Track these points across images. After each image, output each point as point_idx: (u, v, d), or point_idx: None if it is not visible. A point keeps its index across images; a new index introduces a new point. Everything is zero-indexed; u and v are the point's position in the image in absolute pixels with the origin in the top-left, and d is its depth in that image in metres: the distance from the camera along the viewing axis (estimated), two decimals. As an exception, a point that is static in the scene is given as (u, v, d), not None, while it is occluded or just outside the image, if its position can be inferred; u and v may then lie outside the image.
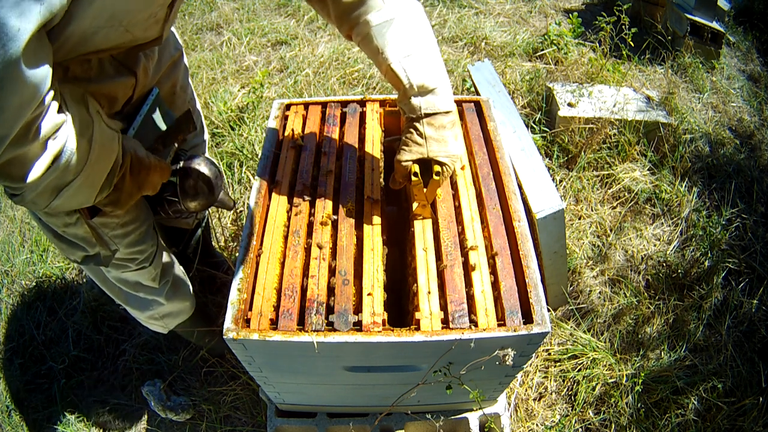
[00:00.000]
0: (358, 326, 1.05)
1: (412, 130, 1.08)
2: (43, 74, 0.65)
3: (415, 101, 1.04)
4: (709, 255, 2.20)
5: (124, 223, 1.20)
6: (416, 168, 1.10)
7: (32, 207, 0.88)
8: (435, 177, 1.10)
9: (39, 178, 0.77)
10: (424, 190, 1.15)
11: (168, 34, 1.01)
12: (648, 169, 2.59)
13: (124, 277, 1.36)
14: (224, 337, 1.03)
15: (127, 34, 0.85)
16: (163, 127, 1.21)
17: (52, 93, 0.71)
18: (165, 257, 1.44)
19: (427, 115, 1.05)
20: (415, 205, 1.20)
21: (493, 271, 1.14)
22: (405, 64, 1.01)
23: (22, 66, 0.60)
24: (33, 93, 0.65)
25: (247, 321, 1.07)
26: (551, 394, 1.90)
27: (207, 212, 1.79)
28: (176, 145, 1.21)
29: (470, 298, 1.09)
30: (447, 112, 1.06)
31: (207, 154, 1.60)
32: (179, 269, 1.54)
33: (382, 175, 1.36)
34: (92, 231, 1.16)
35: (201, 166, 1.18)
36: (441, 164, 1.10)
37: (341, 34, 1.10)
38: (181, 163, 1.19)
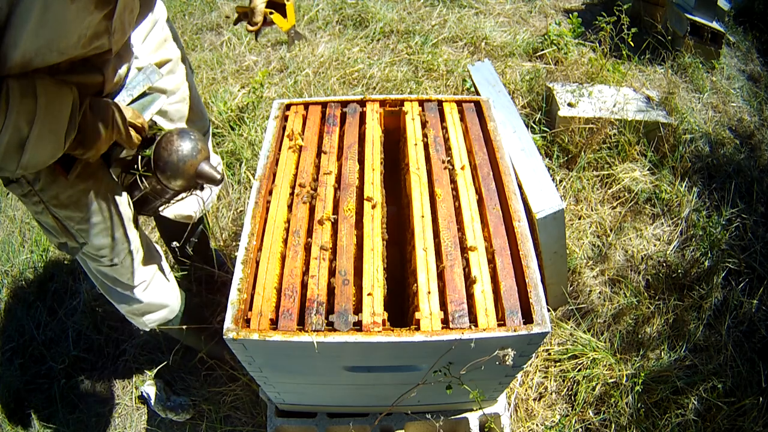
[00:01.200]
0: (358, 326, 1.05)
1: None
2: None
3: None
4: (709, 255, 2.20)
5: (89, 218, 1.21)
6: (267, 10, 1.38)
7: (6, 173, 0.91)
8: (287, 2, 1.37)
9: None
10: (284, 18, 1.43)
11: (119, 47, 1.03)
12: (648, 169, 2.59)
13: (102, 270, 1.37)
14: (224, 337, 1.03)
15: (64, 55, 0.89)
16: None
17: None
18: (146, 259, 1.44)
19: None
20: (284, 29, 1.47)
21: (493, 271, 1.14)
22: None
23: None
24: None
25: (247, 321, 1.07)
26: (551, 394, 1.90)
27: (205, 212, 1.79)
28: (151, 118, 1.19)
29: (470, 298, 1.09)
30: None
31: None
32: (164, 271, 1.54)
33: (382, 175, 1.36)
34: (56, 222, 1.18)
35: (175, 137, 1.11)
36: None
37: None
38: (158, 136, 1.13)
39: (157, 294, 1.51)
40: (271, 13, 1.38)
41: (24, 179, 1.09)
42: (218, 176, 1.17)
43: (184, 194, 1.25)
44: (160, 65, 1.33)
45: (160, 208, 1.38)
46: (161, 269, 1.52)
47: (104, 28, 0.94)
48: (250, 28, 1.37)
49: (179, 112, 1.45)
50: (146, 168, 1.15)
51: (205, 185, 1.22)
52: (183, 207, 1.62)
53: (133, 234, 1.36)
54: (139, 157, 1.16)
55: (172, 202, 1.31)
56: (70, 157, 1.07)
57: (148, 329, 1.62)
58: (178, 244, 1.61)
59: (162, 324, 1.61)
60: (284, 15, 1.40)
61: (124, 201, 1.29)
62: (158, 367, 1.90)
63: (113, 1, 0.90)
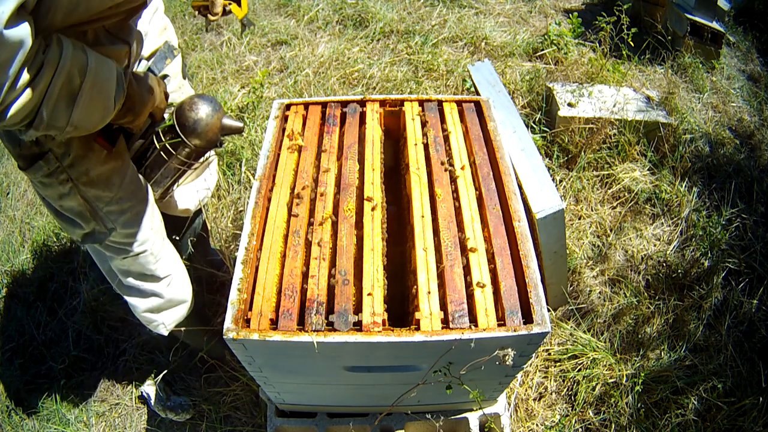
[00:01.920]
0: (358, 326, 1.05)
1: None
2: (23, 34, 0.75)
3: None
4: (709, 255, 2.20)
5: (119, 198, 1.21)
6: (226, 1, 1.53)
7: (53, 130, 0.90)
8: None
9: (45, 88, 0.82)
10: (239, 8, 1.59)
11: None
12: (648, 169, 2.59)
13: (126, 265, 1.37)
14: (224, 337, 1.02)
15: (105, 2, 0.91)
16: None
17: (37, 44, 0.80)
18: (168, 251, 1.45)
19: None
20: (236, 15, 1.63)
21: (493, 271, 1.14)
22: None
23: (4, 37, 0.72)
24: (16, 49, 0.75)
25: (247, 321, 1.07)
26: (551, 394, 1.90)
27: (203, 208, 1.79)
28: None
29: (470, 298, 1.09)
30: None
31: None
32: (182, 265, 1.55)
33: (382, 174, 1.36)
34: (86, 203, 1.17)
35: (195, 99, 1.18)
36: None
37: None
38: (175, 104, 1.20)
39: (179, 289, 1.52)
40: (228, 4, 1.54)
41: (52, 154, 1.08)
42: (241, 125, 1.28)
43: (204, 157, 1.31)
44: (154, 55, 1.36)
45: (173, 187, 1.41)
46: (180, 264, 1.53)
47: None
48: (211, 18, 1.51)
49: (174, 101, 1.46)
50: (171, 135, 1.20)
51: (224, 141, 1.33)
52: (181, 200, 1.63)
53: (158, 221, 1.36)
54: (158, 130, 1.22)
55: (187, 173, 1.34)
56: (112, 131, 1.11)
57: (166, 334, 1.61)
58: (177, 238, 1.62)
59: (178, 324, 1.61)
60: (239, 5, 1.59)
61: (145, 185, 1.30)
62: (162, 374, 1.89)
63: None
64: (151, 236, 1.34)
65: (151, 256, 1.37)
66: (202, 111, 1.17)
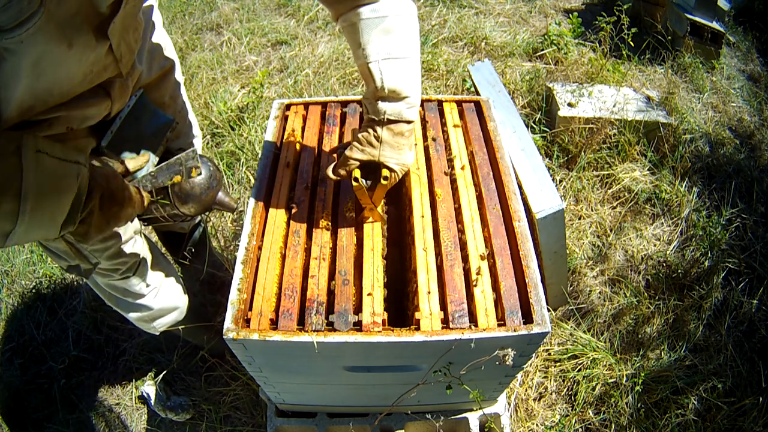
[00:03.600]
0: (358, 326, 1.05)
1: (369, 130, 1.05)
2: None
3: (382, 105, 1.01)
4: (709, 255, 2.20)
5: (103, 239, 1.19)
6: (358, 173, 1.09)
7: None
8: (383, 182, 1.08)
9: None
10: (368, 193, 1.13)
11: (128, 69, 1.00)
12: (648, 169, 2.59)
13: (112, 283, 1.37)
14: (224, 337, 1.02)
15: (68, 96, 0.85)
16: (150, 127, 1.18)
17: None
18: (154, 265, 1.44)
19: (389, 121, 1.03)
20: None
21: (493, 271, 1.14)
22: (383, 66, 0.98)
23: None
24: None
25: (247, 321, 1.07)
26: (551, 394, 1.90)
27: (204, 215, 1.79)
28: (164, 146, 1.19)
29: (470, 298, 1.09)
30: (409, 122, 1.05)
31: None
32: (171, 274, 1.54)
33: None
34: (69, 246, 1.16)
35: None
36: (390, 170, 1.08)
37: (329, 12, 1.07)
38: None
39: (167, 298, 1.51)
40: (355, 179, 1.09)
41: None
42: (235, 205, 1.21)
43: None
44: (160, 78, 1.31)
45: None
46: (168, 272, 1.52)
47: (111, 60, 0.90)
48: (331, 176, 1.12)
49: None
50: (162, 195, 1.14)
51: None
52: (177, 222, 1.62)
53: (141, 243, 1.36)
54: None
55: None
56: None
57: (158, 333, 1.62)
58: (175, 257, 1.60)
59: (174, 324, 1.61)
60: (372, 190, 1.12)
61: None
62: (162, 374, 1.89)
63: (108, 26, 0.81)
64: (135, 263, 1.33)
65: (135, 279, 1.37)
66: (198, 187, 1.12)
